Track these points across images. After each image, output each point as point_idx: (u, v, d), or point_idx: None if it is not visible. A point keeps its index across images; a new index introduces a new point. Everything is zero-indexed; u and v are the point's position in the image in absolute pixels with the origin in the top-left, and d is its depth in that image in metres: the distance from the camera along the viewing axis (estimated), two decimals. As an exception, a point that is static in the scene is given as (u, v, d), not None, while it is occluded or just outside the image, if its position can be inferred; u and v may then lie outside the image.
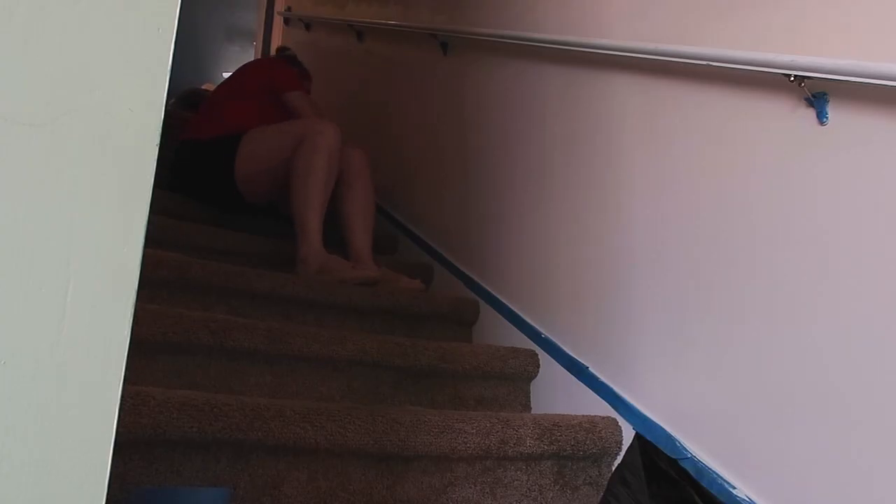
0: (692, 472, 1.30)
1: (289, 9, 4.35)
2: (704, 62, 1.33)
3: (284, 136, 2.23)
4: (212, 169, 2.31)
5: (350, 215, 2.24)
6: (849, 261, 1.11)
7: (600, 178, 1.66)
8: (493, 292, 2.01)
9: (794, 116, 1.21)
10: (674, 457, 1.34)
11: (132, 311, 0.44)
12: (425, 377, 1.67)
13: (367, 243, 2.21)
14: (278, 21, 4.60)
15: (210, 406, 1.17)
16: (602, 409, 1.53)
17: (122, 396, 0.44)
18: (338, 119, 3.36)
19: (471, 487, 1.35)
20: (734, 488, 1.23)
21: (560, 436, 1.42)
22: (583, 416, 1.50)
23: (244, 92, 2.50)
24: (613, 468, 1.46)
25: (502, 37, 2.03)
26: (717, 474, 1.27)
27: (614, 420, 1.49)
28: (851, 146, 1.13)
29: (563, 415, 1.51)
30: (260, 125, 2.32)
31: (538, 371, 1.76)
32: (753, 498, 1.21)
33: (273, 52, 4.52)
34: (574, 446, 1.43)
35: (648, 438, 1.40)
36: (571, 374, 1.64)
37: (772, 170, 1.25)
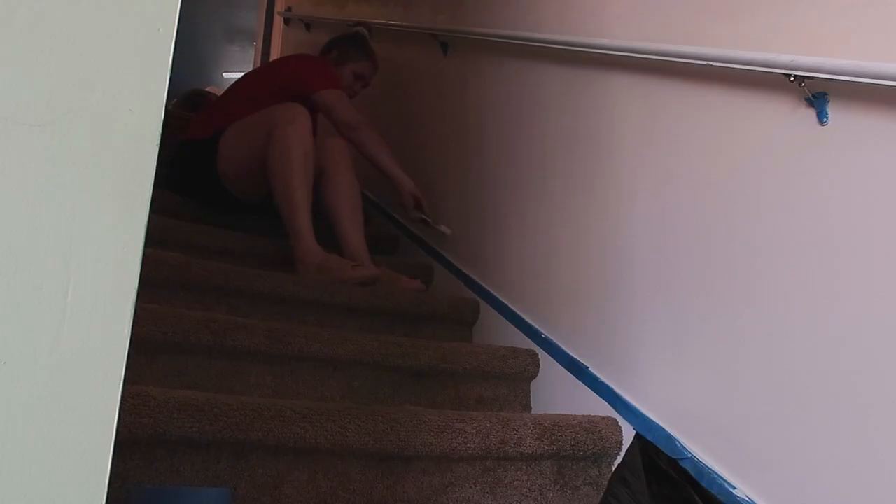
0: (692, 472, 1.30)
1: (289, 9, 4.35)
2: (705, 62, 1.33)
3: (256, 127, 2.11)
4: (199, 170, 2.24)
5: (337, 211, 2.15)
6: (849, 260, 1.11)
7: (600, 177, 1.66)
8: (494, 292, 2.01)
9: (794, 116, 1.21)
10: (674, 457, 1.34)
11: (132, 310, 0.44)
12: (425, 377, 1.67)
13: (361, 240, 2.13)
14: (278, 21, 4.59)
15: (210, 406, 1.17)
16: (602, 409, 1.53)
17: (123, 396, 0.44)
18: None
19: (471, 487, 1.35)
20: (734, 488, 1.23)
21: (560, 436, 1.42)
22: (583, 416, 1.50)
23: (260, 93, 2.31)
24: (613, 468, 1.46)
25: (503, 37, 2.03)
26: (717, 474, 1.27)
27: (614, 420, 1.49)
28: (852, 146, 1.13)
29: (564, 415, 1.51)
30: (237, 120, 2.20)
31: (538, 371, 1.76)
32: (754, 498, 1.21)
33: (271, 52, 4.49)
34: (574, 446, 1.43)
35: (648, 438, 1.40)
36: (571, 374, 1.64)
37: (772, 169, 1.25)
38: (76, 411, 0.42)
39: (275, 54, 4.57)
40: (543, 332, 1.78)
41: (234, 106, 2.31)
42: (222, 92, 2.65)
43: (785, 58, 1.17)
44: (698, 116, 1.42)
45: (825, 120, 1.16)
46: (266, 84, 2.35)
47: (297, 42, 4.21)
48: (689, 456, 1.32)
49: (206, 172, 2.22)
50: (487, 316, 2.02)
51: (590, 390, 1.58)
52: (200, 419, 1.14)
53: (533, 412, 1.75)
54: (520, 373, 1.76)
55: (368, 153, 2.26)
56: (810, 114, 1.18)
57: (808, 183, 1.19)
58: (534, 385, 1.78)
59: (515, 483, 1.39)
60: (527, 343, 1.80)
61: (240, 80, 2.52)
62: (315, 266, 1.97)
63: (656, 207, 1.49)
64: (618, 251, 1.58)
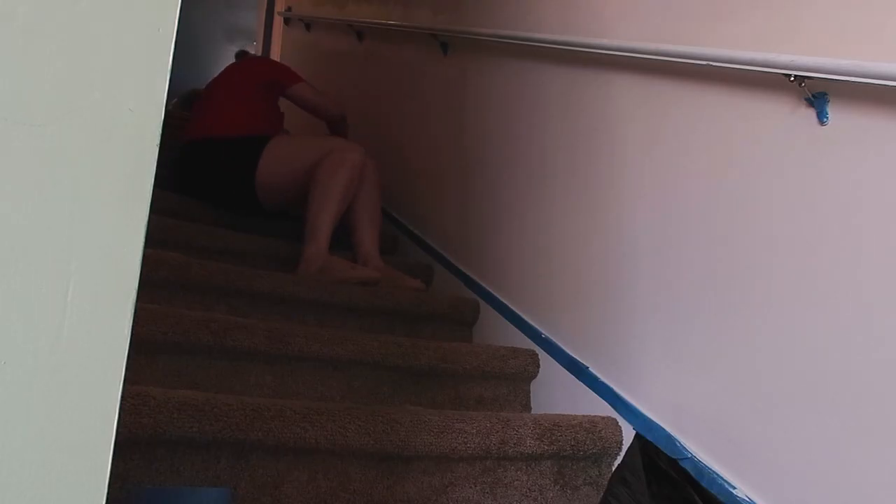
0: (692, 472, 1.30)
1: (289, 9, 4.35)
2: (705, 62, 1.33)
3: (312, 149, 2.32)
4: (229, 172, 2.33)
5: (359, 220, 2.29)
6: (850, 260, 1.11)
7: (600, 177, 1.66)
8: (494, 292, 2.01)
9: (794, 116, 1.21)
10: (674, 457, 1.34)
11: (133, 310, 0.44)
12: (425, 377, 1.67)
13: (375, 245, 2.27)
14: (278, 21, 4.59)
15: (210, 406, 1.17)
16: (602, 409, 1.53)
17: (123, 396, 0.44)
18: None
19: (471, 487, 1.35)
20: (734, 488, 1.23)
21: (560, 436, 1.42)
22: (583, 416, 1.50)
23: (249, 92, 2.52)
24: (613, 468, 1.46)
25: (503, 37, 2.03)
26: (717, 474, 1.27)
27: (614, 420, 1.49)
28: (852, 146, 1.13)
29: (564, 415, 1.51)
30: (279, 130, 2.48)
31: (538, 371, 1.76)
32: (753, 498, 1.21)
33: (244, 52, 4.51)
34: (574, 446, 1.43)
35: (648, 438, 1.40)
36: (571, 374, 1.64)
37: (772, 169, 1.25)
38: (76, 411, 0.42)
39: (275, 55, 4.57)
40: (543, 332, 1.78)
41: (233, 107, 2.48)
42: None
43: (785, 58, 1.17)
44: (698, 116, 1.42)
45: (825, 120, 1.16)
46: (250, 85, 2.56)
47: (297, 42, 4.21)
48: (689, 456, 1.32)
49: (236, 175, 2.33)
50: (487, 316, 2.02)
51: (590, 390, 1.58)
52: (200, 419, 1.14)
53: (533, 412, 1.75)
54: (520, 373, 1.75)
55: (341, 127, 2.70)
56: (810, 114, 1.18)
57: (807, 182, 1.19)
58: (534, 385, 1.78)
59: (515, 483, 1.39)
60: (527, 343, 1.80)
61: (224, 79, 2.65)
62: (318, 267, 2.05)
63: (657, 207, 1.49)
64: (618, 251, 1.58)
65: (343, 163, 2.22)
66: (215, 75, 2.70)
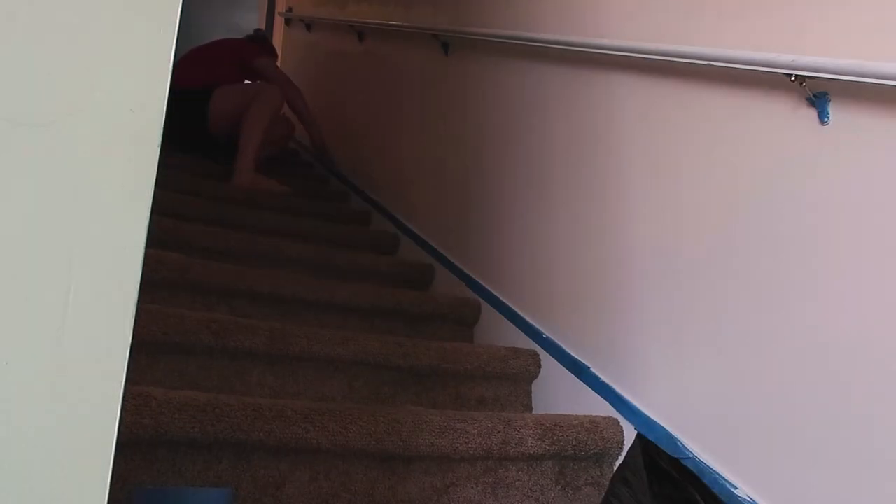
0: (694, 472, 1.30)
1: (290, 9, 4.35)
2: (705, 62, 1.33)
3: (245, 93, 3.03)
4: (189, 111, 2.93)
5: (242, 132, 2.89)
6: (849, 260, 1.11)
7: (601, 177, 1.66)
8: (495, 292, 2.01)
9: (795, 116, 1.21)
10: (675, 456, 1.34)
11: (134, 311, 0.44)
12: (427, 377, 1.67)
13: (246, 159, 2.81)
14: (279, 21, 4.59)
15: (212, 406, 1.17)
16: (603, 409, 1.53)
17: (124, 397, 0.44)
18: (338, 119, 3.37)
19: (472, 488, 1.35)
20: (735, 488, 1.23)
21: (561, 436, 1.42)
22: (584, 416, 1.50)
23: (218, 60, 3.17)
24: (615, 468, 1.46)
25: (503, 37, 2.03)
26: (718, 474, 1.26)
27: (616, 420, 1.49)
28: (853, 146, 1.13)
29: (565, 415, 1.51)
30: (225, 84, 3.11)
31: (539, 371, 1.76)
32: (755, 498, 1.21)
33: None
34: (576, 446, 1.43)
35: (650, 438, 1.40)
36: (573, 374, 1.64)
37: (773, 169, 1.25)
38: (78, 411, 0.42)
39: (276, 55, 4.57)
40: (545, 332, 1.78)
41: (209, 69, 3.09)
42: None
43: (786, 57, 1.17)
44: (699, 116, 1.42)
45: (826, 120, 1.16)
46: (228, 57, 3.21)
47: (297, 42, 4.21)
48: (691, 456, 1.32)
49: (193, 112, 2.95)
50: (489, 316, 2.02)
51: (591, 390, 1.58)
52: (202, 419, 1.14)
53: (534, 412, 1.75)
54: (521, 373, 1.75)
55: (298, 104, 3.25)
56: (811, 114, 1.18)
57: (808, 182, 1.19)
58: (535, 385, 1.78)
59: (517, 483, 1.39)
60: (528, 343, 1.80)
61: (200, 49, 3.22)
62: (249, 179, 2.76)
63: (656, 207, 1.49)
64: (618, 251, 1.58)
65: (265, 102, 2.93)
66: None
